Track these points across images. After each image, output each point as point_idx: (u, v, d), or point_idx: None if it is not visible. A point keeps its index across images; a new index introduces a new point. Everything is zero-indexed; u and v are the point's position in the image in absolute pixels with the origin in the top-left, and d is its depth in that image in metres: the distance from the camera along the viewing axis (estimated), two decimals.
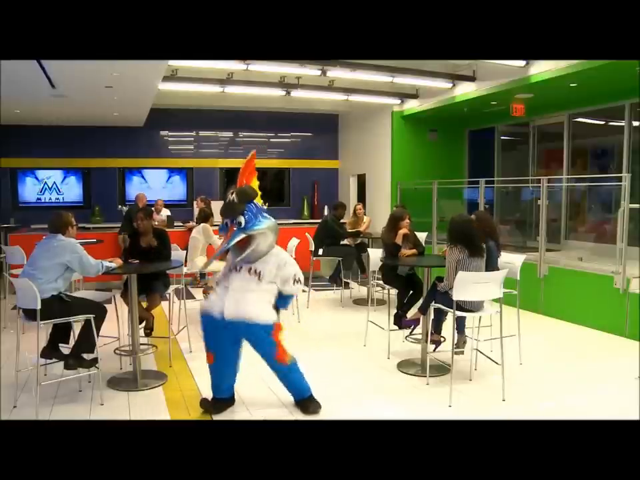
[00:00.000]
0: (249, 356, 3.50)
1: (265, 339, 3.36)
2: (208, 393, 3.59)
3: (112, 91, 6.66)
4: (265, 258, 3.41)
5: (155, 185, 10.47)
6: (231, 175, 10.82)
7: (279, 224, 3.58)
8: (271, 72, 6.87)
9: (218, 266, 5.50)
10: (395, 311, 5.00)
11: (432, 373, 4.11)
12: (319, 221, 8.14)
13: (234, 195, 3.37)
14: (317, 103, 9.18)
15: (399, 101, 8.87)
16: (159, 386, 4.02)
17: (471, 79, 7.25)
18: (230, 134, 10.80)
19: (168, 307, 4.98)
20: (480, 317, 4.22)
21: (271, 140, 11.03)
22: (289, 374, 3.49)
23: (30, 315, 3.54)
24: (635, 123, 6.71)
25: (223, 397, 3.54)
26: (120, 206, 9.86)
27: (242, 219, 3.32)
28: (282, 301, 3.52)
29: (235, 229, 3.32)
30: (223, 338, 3.41)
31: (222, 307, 3.34)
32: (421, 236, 5.74)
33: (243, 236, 3.31)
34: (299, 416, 3.47)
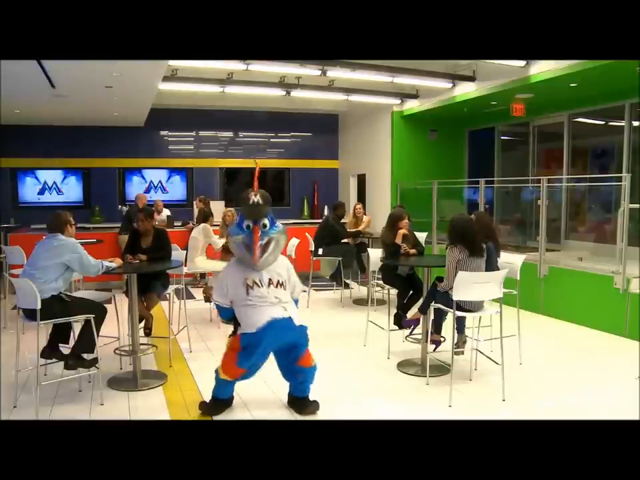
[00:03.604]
0: None
1: (305, 344, 3.47)
2: (208, 394, 3.58)
3: (112, 91, 6.66)
4: (277, 266, 3.41)
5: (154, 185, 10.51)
6: (231, 175, 10.84)
7: None
8: (271, 72, 6.86)
9: (218, 266, 5.51)
10: (395, 310, 5.01)
11: (432, 373, 4.11)
12: (319, 221, 8.15)
13: (258, 197, 3.33)
14: (316, 102, 9.19)
15: (398, 101, 8.87)
16: (158, 386, 4.02)
17: (471, 78, 7.25)
18: (230, 134, 10.80)
19: (168, 307, 4.98)
20: (480, 316, 4.22)
21: (271, 140, 11.04)
22: (309, 374, 3.52)
23: (30, 315, 3.54)
24: (635, 123, 6.71)
25: (226, 398, 3.53)
26: (120, 206, 9.87)
27: (266, 221, 3.32)
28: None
29: (259, 230, 3.27)
30: (267, 350, 3.34)
31: (277, 316, 3.28)
32: (421, 236, 5.74)
33: (271, 238, 3.30)
34: (299, 416, 3.48)
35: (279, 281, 3.38)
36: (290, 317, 3.32)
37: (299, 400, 3.55)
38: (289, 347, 3.40)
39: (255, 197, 3.33)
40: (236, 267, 3.42)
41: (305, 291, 3.70)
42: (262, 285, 3.33)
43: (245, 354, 3.28)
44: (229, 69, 6.78)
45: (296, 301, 3.57)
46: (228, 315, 3.50)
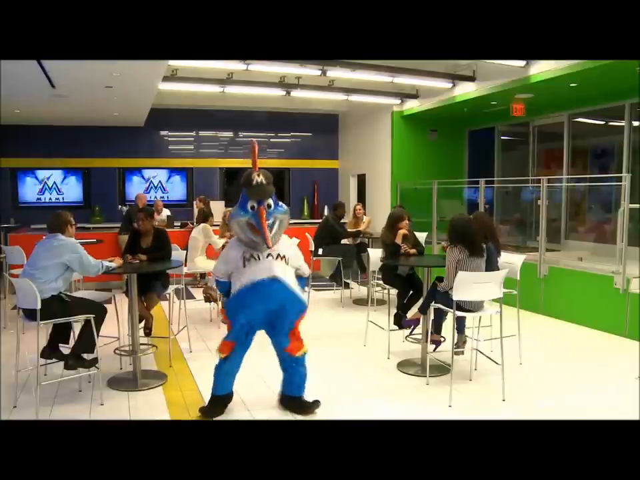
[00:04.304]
0: (249, 356, 3.49)
1: (293, 317, 3.39)
2: (208, 394, 3.58)
3: (112, 91, 6.67)
4: (281, 245, 3.39)
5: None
6: (231, 175, 10.84)
7: None
8: (271, 72, 6.87)
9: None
10: (395, 311, 5.01)
11: (432, 373, 4.11)
12: (319, 221, 8.15)
13: (262, 178, 3.29)
14: (316, 102, 9.19)
15: (398, 101, 8.87)
16: (158, 386, 4.02)
17: (471, 78, 7.25)
18: (230, 134, 10.81)
19: (168, 307, 4.98)
20: (480, 316, 4.22)
21: (271, 140, 11.04)
22: (296, 366, 3.47)
23: (30, 315, 3.54)
24: (635, 123, 6.71)
25: (226, 393, 3.49)
26: (120, 206, 9.88)
27: (271, 202, 3.31)
28: (301, 282, 3.53)
29: (264, 211, 3.24)
30: (256, 311, 3.29)
31: (262, 274, 3.26)
32: (421, 236, 5.74)
33: (275, 217, 3.30)
34: (299, 416, 3.47)
35: (279, 255, 3.35)
36: (277, 277, 3.29)
37: (290, 400, 3.52)
38: (276, 315, 3.35)
39: (259, 177, 3.29)
40: (236, 245, 3.40)
41: (305, 291, 3.65)
42: (259, 259, 3.31)
43: (233, 321, 3.32)
44: (229, 69, 6.79)
45: (303, 280, 3.55)
46: (224, 288, 3.49)
